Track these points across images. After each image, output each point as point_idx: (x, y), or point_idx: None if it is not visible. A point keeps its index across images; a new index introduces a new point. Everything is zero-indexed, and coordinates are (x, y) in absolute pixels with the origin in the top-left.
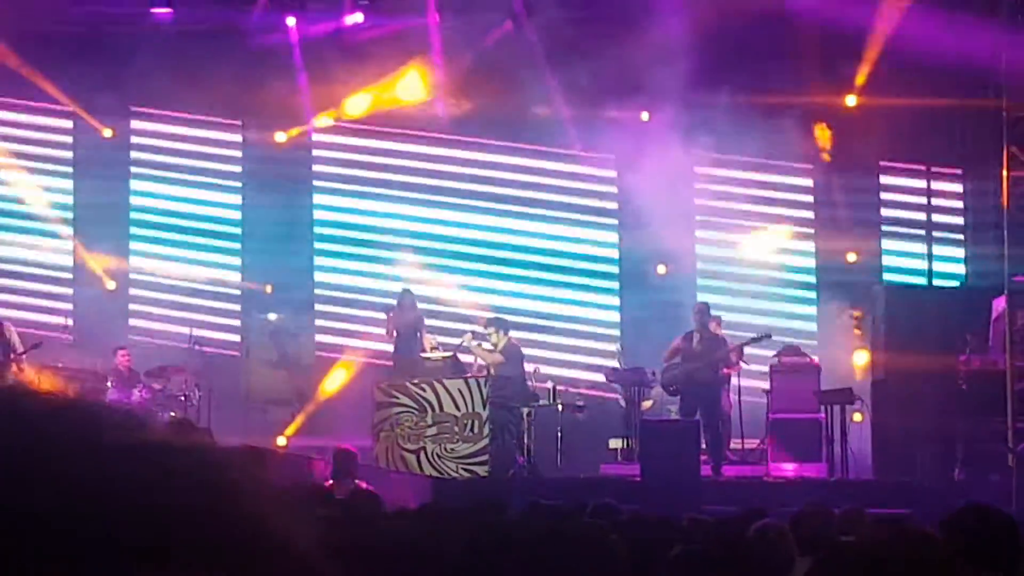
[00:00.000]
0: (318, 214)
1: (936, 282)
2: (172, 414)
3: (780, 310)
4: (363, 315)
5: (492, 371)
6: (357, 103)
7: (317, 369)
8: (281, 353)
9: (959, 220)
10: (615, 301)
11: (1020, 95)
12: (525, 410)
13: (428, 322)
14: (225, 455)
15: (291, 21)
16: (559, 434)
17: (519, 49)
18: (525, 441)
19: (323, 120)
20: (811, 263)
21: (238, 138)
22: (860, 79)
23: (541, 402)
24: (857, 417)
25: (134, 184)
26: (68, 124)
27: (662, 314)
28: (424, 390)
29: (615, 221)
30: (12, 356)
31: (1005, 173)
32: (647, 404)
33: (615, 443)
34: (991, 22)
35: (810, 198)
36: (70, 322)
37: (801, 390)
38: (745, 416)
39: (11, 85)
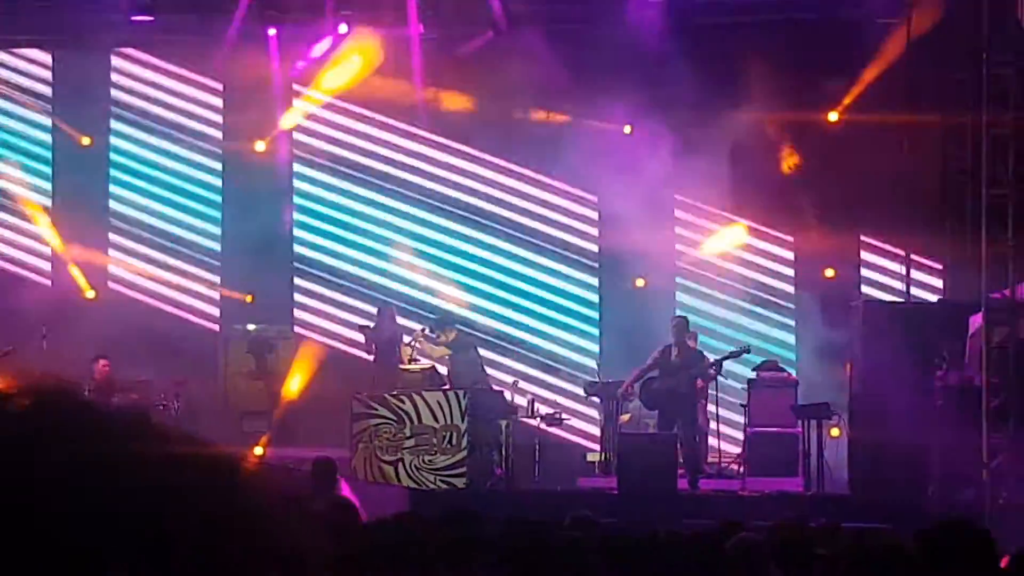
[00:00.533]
0: (297, 231)
1: (914, 297)
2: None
3: (757, 329)
4: (344, 332)
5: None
6: (319, 87)
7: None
8: (259, 364)
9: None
10: (594, 314)
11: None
12: (503, 422)
13: (412, 325)
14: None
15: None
16: (536, 447)
17: (500, 58)
18: (503, 453)
19: (288, 119)
20: (790, 274)
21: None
22: (847, 98)
23: (520, 415)
24: (834, 432)
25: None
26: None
27: (641, 327)
28: (403, 402)
29: (596, 232)
30: None
31: (984, 191)
32: (625, 417)
33: (593, 456)
34: None
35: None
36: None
37: (779, 404)
38: (722, 430)
39: None
